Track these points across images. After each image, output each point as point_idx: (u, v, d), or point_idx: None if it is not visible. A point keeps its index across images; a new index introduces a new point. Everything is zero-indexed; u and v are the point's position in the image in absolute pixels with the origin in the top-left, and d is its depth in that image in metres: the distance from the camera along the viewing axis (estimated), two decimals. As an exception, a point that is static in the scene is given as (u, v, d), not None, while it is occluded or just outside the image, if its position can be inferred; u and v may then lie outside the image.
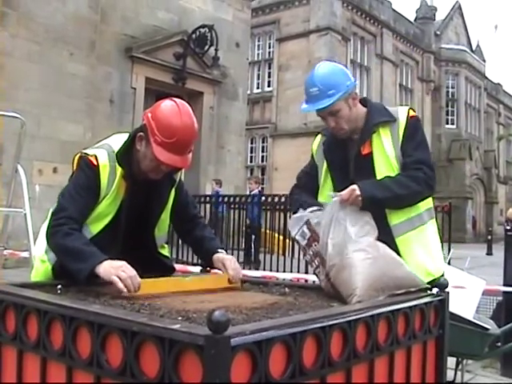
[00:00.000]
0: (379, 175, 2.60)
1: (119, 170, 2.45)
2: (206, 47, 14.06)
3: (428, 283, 2.42)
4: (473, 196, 37.73)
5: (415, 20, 37.69)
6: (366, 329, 1.86)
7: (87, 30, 12.03)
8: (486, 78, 43.65)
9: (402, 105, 31.54)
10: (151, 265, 2.62)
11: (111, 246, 2.43)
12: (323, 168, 2.80)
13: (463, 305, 4.26)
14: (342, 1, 28.29)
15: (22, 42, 10.88)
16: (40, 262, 2.54)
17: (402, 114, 2.68)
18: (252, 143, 29.14)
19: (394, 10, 33.69)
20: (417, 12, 38.75)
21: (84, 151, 2.49)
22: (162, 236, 2.72)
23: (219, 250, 2.68)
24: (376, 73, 31.29)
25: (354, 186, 2.46)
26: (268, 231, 10.74)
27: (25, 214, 5.07)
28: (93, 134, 11.47)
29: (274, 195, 10.25)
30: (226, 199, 11.00)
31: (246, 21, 16.95)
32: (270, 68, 29.48)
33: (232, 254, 2.73)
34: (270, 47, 29.63)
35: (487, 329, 4.28)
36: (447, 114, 38.48)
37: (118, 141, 2.53)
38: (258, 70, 29.78)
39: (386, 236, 2.46)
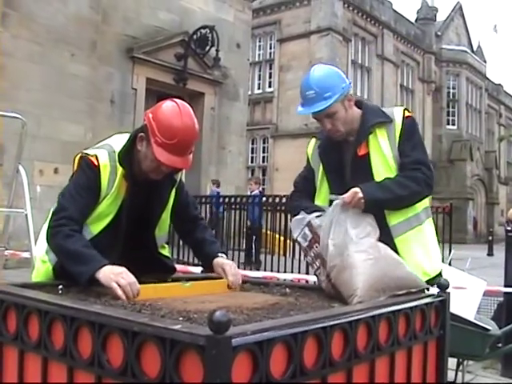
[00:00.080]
0: (377, 176, 2.61)
1: (120, 170, 2.45)
2: (207, 48, 14.07)
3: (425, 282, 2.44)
4: (474, 197, 37.72)
5: (416, 21, 37.69)
6: (366, 329, 1.86)
7: (88, 30, 12.04)
8: (487, 78, 43.65)
9: (402, 105, 31.52)
10: (152, 265, 2.62)
11: (112, 246, 2.43)
12: (319, 171, 2.81)
13: (464, 305, 4.26)
14: (343, 1, 28.30)
15: (23, 42, 10.88)
16: (41, 262, 2.54)
17: (397, 114, 2.69)
18: (253, 144, 29.15)
19: (395, 11, 33.70)
20: (418, 13, 38.76)
21: (85, 151, 2.50)
22: (162, 236, 2.72)
23: (219, 255, 2.68)
24: (377, 73, 31.29)
25: (356, 189, 2.47)
26: (269, 232, 10.74)
27: (26, 215, 5.07)
28: (94, 134, 11.47)
29: (275, 196, 10.25)
30: (225, 200, 10.99)
31: (247, 21, 16.96)
32: (270, 69, 29.50)
33: (233, 255, 2.74)
34: (270, 48, 29.64)
35: (488, 329, 4.27)
36: (448, 115, 38.47)
37: (118, 141, 2.53)
38: (259, 71, 29.79)
39: (385, 236, 2.47)
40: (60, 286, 2.24)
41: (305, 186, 2.91)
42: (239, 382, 1.37)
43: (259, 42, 29.83)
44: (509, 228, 5.65)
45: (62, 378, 1.70)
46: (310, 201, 2.82)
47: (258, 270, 9.35)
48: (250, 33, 17.60)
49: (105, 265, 2.19)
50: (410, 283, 2.33)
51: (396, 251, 2.47)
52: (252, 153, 29.18)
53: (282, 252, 9.90)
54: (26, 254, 5.78)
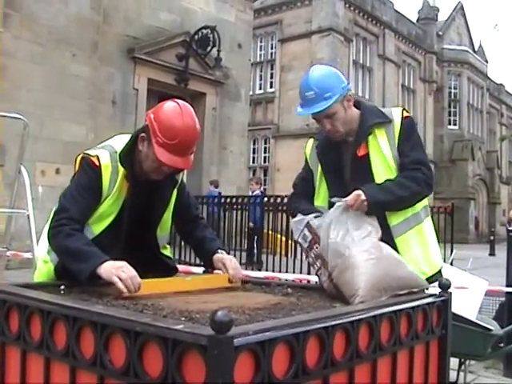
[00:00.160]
0: (377, 176, 2.61)
1: (121, 170, 2.45)
2: (209, 48, 14.08)
3: None
4: (475, 197, 37.67)
5: (417, 21, 37.65)
6: (368, 329, 1.86)
7: (89, 31, 12.05)
8: (489, 78, 43.59)
9: (404, 105, 31.54)
10: (153, 265, 2.63)
11: (113, 246, 2.44)
12: (318, 172, 2.82)
13: (466, 305, 4.26)
14: (344, 1, 28.28)
15: (24, 43, 10.89)
16: (42, 262, 2.54)
17: (396, 114, 2.70)
18: (254, 144, 29.13)
19: (396, 11, 33.66)
20: (419, 13, 38.72)
21: (86, 152, 2.50)
22: (164, 236, 2.73)
23: (219, 250, 2.69)
24: (378, 73, 31.27)
25: (359, 192, 2.47)
26: (270, 232, 10.74)
27: (28, 215, 5.07)
28: (95, 135, 11.49)
29: (277, 196, 10.25)
30: (226, 200, 10.98)
31: (249, 22, 16.96)
32: (272, 69, 29.48)
33: (234, 255, 2.74)
34: (272, 48, 29.62)
35: (490, 329, 4.27)
36: (449, 115, 38.43)
37: (120, 141, 2.54)
38: (261, 71, 29.78)
39: (386, 236, 2.48)
40: (62, 287, 2.25)
41: (303, 187, 2.92)
42: (241, 381, 1.38)
43: (260, 42, 29.81)
44: (510, 228, 5.65)
45: (65, 378, 1.70)
46: (308, 203, 2.83)
47: (259, 270, 9.35)
48: (251, 33, 17.61)
49: (105, 260, 2.20)
50: (412, 283, 2.34)
51: (396, 251, 2.47)
52: (253, 153, 29.16)
53: (283, 252, 9.90)
54: (27, 255, 5.79)
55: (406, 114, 2.72)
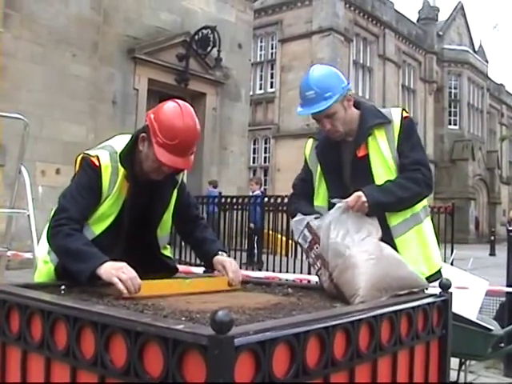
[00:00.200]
0: (377, 177, 2.62)
1: (121, 170, 2.45)
2: (209, 48, 14.08)
3: None
4: (475, 197, 37.66)
5: (418, 21, 37.65)
6: (369, 329, 1.86)
7: (90, 31, 12.05)
8: (489, 78, 43.58)
9: (404, 106, 31.54)
10: (154, 265, 2.63)
11: (114, 246, 2.44)
12: (317, 172, 2.82)
13: (466, 305, 4.26)
14: (345, 2, 28.28)
15: (24, 43, 10.89)
16: (43, 262, 2.54)
17: (395, 115, 2.70)
18: (254, 144, 29.13)
19: (397, 11, 33.66)
20: (419, 13, 38.72)
21: (86, 152, 2.50)
22: (164, 236, 2.73)
23: (219, 252, 2.69)
24: (378, 73, 31.27)
25: (360, 193, 2.47)
26: (271, 232, 10.74)
27: (28, 215, 5.07)
28: (95, 135, 11.48)
29: (277, 196, 10.25)
30: (224, 200, 10.98)
31: (249, 22, 16.96)
32: (272, 69, 29.48)
33: (235, 255, 2.74)
34: (272, 48, 29.62)
35: (490, 329, 4.27)
36: (450, 115, 38.43)
37: (120, 142, 2.54)
38: (261, 71, 29.78)
39: (386, 237, 2.49)
40: (62, 287, 2.25)
41: (303, 187, 2.92)
42: (242, 381, 1.38)
43: (261, 42, 29.81)
44: (511, 228, 5.65)
45: (65, 378, 1.71)
46: (308, 204, 2.83)
47: (260, 270, 9.36)
48: (251, 33, 17.61)
49: (105, 261, 2.20)
50: (412, 283, 2.34)
51: (396, 251, 2.47)
52: (254, 153, 29.16)
53: (283, 252, 9.90)
54: (28, 255, 5.79)
55: (405, 114, 2.72)
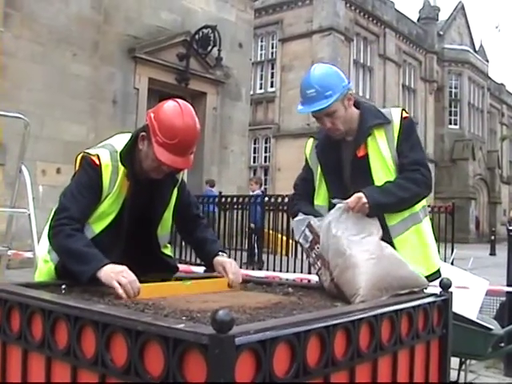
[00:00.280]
0: (376, 177, 2.62)
1: (121, 169, 2.45)
2: (209, 48, 14.07)
3: None
4: (476, 196, 37.65)
5: (418, 20, 37.64)
6: (369, 328, 1.86)
7: (90, 30, 12.05)
8: (489, 78, 43.56)
9: (404, 105, 31.55)
10: (154, 264, 2.63)
11: (114, 245, 2.44)
12: (318, 171, 2.82)
13: (466, 305, 4.26)
14: (345, 1, 28.27)
15: (25, 42, 10.90)
16: (43, 261, 2.54)
17: (395, 115, 2.71)
18: (255, 144, 29.13)
19: (397, 11, 33.65)
20: (420, 12, 38.71)
21: (86, 151, 2.50)
22: (164, 235, 2.73)
23: (220, 253, 2.69)
24: (379, 73, 31.26)
25: (360, 194, 2.48)
26: (271, 232, 10.74)
27: (28, 215, 5.07)
28: (96, 134, 11.49)
29: (277, 196, 10.26)
30: (224, 199, 10.98)
31: (249, 21, 16.95)
32: (272, 68, 29.47)
33: (235, 255, 2.75)
34: (272, 48, 29.61)
35: (490, 329, 4.27)
36: (450, 115, 38.41)
37: (120, 141, 2.54)
38: (261, 71, 29.77)
39: (384, 237, 2.49)
40: (63, 286, 2.25)
41: (304, 187, 2.93)
42: (242, 380, 1.38)
43: (261, 41, 29.80)
44: (511, 227, 5.65)
45: (66, 377, 1.71)
46: (309, 204, 2.84)
47: (260, 269, 9.35)
48: (252, 32, 17.59)
49: (106, 264, 2.20)
50: (413, 282, 2.34)
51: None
52: (254, 153, 29.16)
53: (284, 252, 9.91)
54: (28, 254, 5.79)
55: (405, 114, 2.72)
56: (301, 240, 2.59)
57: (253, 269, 9.28)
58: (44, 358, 1.79)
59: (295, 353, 1.54)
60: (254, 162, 29.17)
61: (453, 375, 4.01)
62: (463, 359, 4.47)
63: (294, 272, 7.91)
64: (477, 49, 43.96)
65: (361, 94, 28.97)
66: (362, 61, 30.39)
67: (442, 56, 37.80)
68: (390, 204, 2.55)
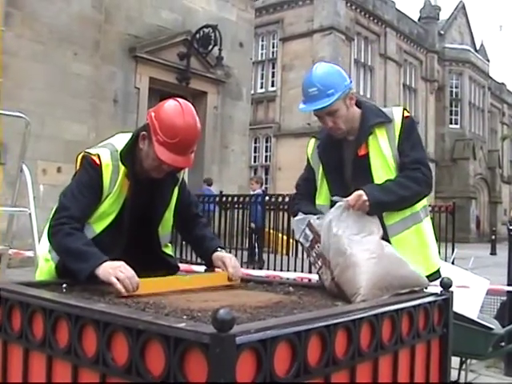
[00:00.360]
0: (376, 175, 2.63)
1: (122, 168, 2.45)
2: (210, 47, 14.08)
3: None
4: (476, 196, 37.64)
5: (419, 20, 37.61)
6: (370, 328, 1.86)
7: (91, 29, 12.04)
8: (490, 77, 43.53)
9: (405, 105, 31.53)
10: (155, 263, 2.63)
11: (115, 244, 2.44)
12: (319, 171, 2.83)
13: (467, 304, 4.25)
14: (346, 0, 28.26)
15: (26, 42, 10.89)
16: (44, 260, 2.55)
17: (396, 114, 2.71)
18: (256, 143, 29.12)
19: (398, 10, 33.63)
20: (420, 11, 38.68)
21: (87, 150, 2.50)
22: (165, 235, 2.73)
23: (219, 249, 2.69)
24: (380, 72, 31.25)
25: (360, 192, 2.48)
26: (272, 231, 10.75)
27: (29, 214, 5.07)
28: (97, 133, 11.48)
29: (278, 195, 10.26)
30: (225, 199, 10.98)
31: (250, 21, 16.95)
32: (273, 68, 29.46)
33: (236, 254, 2.75)
34: (273, 47, 29.60)
35: (491, 328, 4.27)
36: (451, 114, 38.39)
37: (121, 140, 2.54)
38: (262, 70, 29.77)
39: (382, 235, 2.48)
40: (64, 285, 2.25)
41: (306, 187, 2.93)
42: (243, 380, 1.38)
43: (262, 41, 29.79)
44: (511, 227, 5.64)
45: (67, 376, 1.71)
46: (310, 203, 2.85)
47: (261, 269, 9.36)
48: (252, 32, 17.60)
49: (105, 261, 2.20)
50: (413, 282, 2.34)
51: None
52: (255, 152, 29.15)
53: (284, 251, 9.91)
54: (29, 253, 5.79)
55: (406, 113, 2.73)
56: (301, 239, 2.59)
57: (253, 268, 9.29)
58: (45, 357, 1.79)
59: (296, 352, 1.54)
60: (255, 161, 29.16)
61: (453, 375, 4.01)
62: (464, 359, 4.47)
63: (295, 271, 7.91)
64: (478, 48, 43.93)
65: (361, 93, 28.95)
66: (362, 60, 30.38)
67: (443, 55, 37.78)
68: (390, 202, 2.55)
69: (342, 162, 2.77)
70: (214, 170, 15.26)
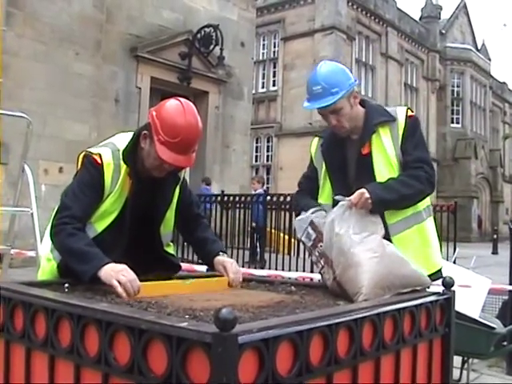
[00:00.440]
0: (378, 174, 2.63)
1: (123, 168, 2.45)
2: (211, 47, 14.07)
3: None
4: (478, 195, 37.62)
5: (420, 19, 37.59)
6: (372, 327, 1.86)
7: (93, 29, 12.05)
8: (492, 76, 43.50)
9: (407, 104, 31.51)
10: (157, 262, 2.63)
11: (116, 243, 2.44)
12: (322, 170, 2.83)
13: (469, 304, 4.26)
14: (347, 0, 28.25)
15: (27, 41, 10.90)
16: (46, 260, 2.55)
17: (400, 113, 2.72)
18: (257, 143, 29.14)
19: (399, 9, 33.62)
20: (422, 11, 38.66)
21: (88, 150, 2.51)
22: (167, 234, 2.73)
23: (220, 253, 2.69)
24: (381, 72, 31.24)
25: (363, 190, 2.48)
26: (273, 231, 10.75)
27: (31, 214, 5.08)
28: (98, 133, 11.49)
29: (280, 194, 10.26)
30: (226, 198, 10.98)
31: (251, 20, 16.94)
32: (275, 67, 29.47)
33: (237, 254, 2.74)
34: (275, 46, 29.61)
35: (493, 328, 4.27)
36: (452, 113, 38.38)
37: (122, 139, 2.54)
38: (263, 70, 29.78)
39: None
40: (66, 285, 2.25)
41: (308, 184, 2.94)
42: (245, 379, 1.38)
43: (263, 40, 29.80)
44: (513, 226, 5.64)
45: (69, 375, 1.71)
46: (310, 199, 2.84)
47: (262, 268, 9.37)
48: (254, 31, 17.57)
49: (107, 263, 2.20)
50: (415, 281, 2.34)
51: None
52: (256, 152, 29.16)
53: (286, 251, 9.91)
54: (31, 253, 5.80)
55: (410, 113, 2.73)
56: (303, 238, 2.59)
57: (255, 268, 9.29)
58: (47, 357, 1.79)
59: (298, 351, 1.54)
60: (256, 160, 29.17)
61: (455, 374, 4.02)
62: (466, 358, 4.48)
63: (297, 271, 7.92)
64: (479, 47, 43.90)
65: (363, 92, 28.93)
66: (364, 59, 30.38)
67: (445, 55, 37.77)
68: (392, 200, 2.55)
69: (346, 161, 2.77)
70: (216, 169, 15.25)
